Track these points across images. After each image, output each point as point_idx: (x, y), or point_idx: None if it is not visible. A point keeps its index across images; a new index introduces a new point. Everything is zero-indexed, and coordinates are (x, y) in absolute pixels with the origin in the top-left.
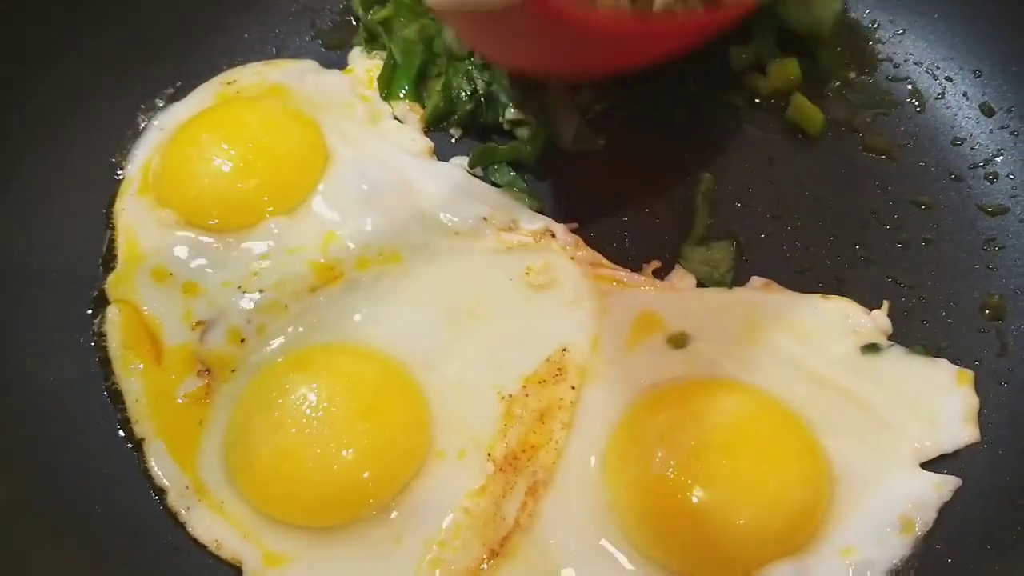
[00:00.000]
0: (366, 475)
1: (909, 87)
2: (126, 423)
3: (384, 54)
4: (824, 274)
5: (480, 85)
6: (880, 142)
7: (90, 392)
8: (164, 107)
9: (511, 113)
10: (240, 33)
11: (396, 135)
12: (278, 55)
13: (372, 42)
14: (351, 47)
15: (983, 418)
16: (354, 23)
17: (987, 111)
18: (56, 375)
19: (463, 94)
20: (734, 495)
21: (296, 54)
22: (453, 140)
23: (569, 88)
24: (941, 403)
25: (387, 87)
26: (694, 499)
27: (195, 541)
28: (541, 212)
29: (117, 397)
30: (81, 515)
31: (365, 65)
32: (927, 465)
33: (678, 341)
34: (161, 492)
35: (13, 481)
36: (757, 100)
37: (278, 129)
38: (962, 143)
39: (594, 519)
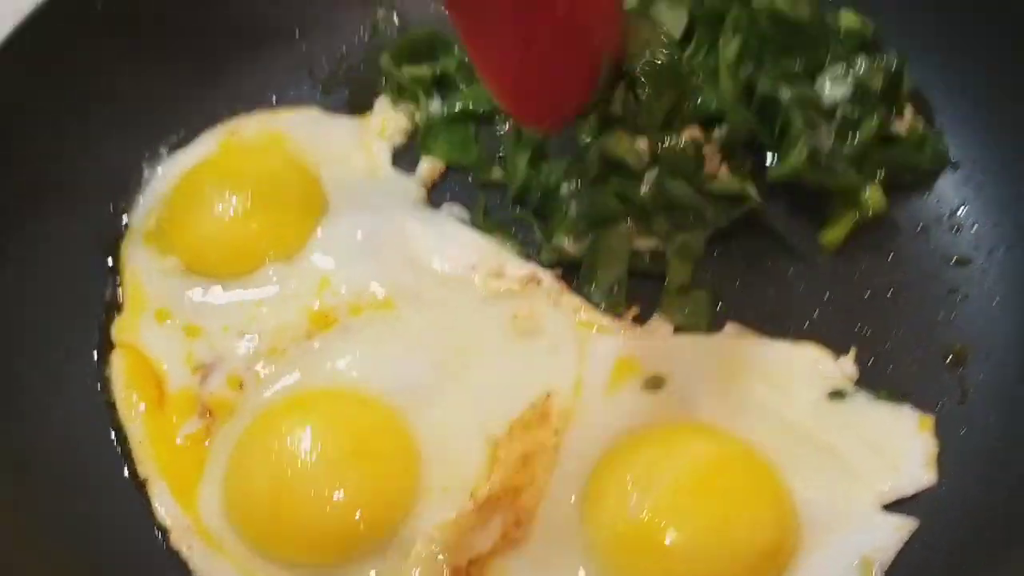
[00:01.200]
0: (358, 516)
1: None
2: (130, 464)
3: (408, 106)
4: (795, 321)
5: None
6: None
7: (97, 433)
8: (168, 156)
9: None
10: (240, 82)
11: (392, 184)
12: (278, 103)
13: (399, 95)
14: (350, 92)
15: (941, 462)
16: (351, 66)
17: (952, 165)
18: (64, 417)
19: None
20: (705, 536)
21: (295, 102)
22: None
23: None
24: (903, 448)
25: (425, 142)
26: (667, 540)
27: None
28: (528, 260)
29: (123, 438)
30: (87, 552)
31: (387, 115)
32: (888, 507)
33: (654, 384)
34: (164, 531)
35: (20, 520)
36: None
37: (277, 178)
38: (928, 195)
39: (573, 554)
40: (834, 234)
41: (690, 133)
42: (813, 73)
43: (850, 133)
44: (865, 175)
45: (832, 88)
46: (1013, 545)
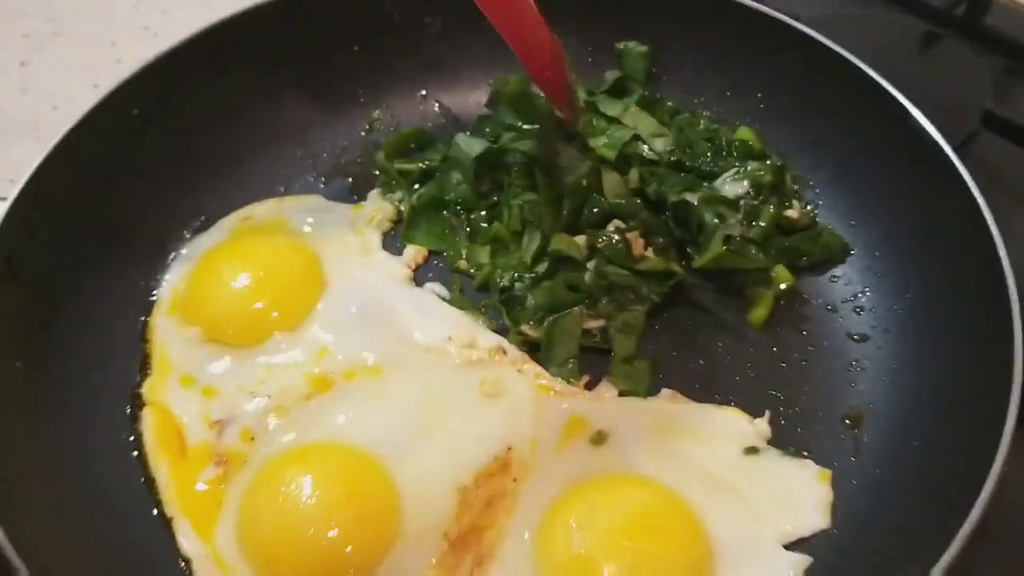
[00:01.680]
0: (348, 550)
1: None
2: (159, 505)
3: (397, 197)
4: (720, 387)
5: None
6: None
7: (129, 479)
8: (190, 238)
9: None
10: (253, 174)
11: (383, 265)
12: (286, 192)
13: (389, 188)
14: (349, 182)
15: (835, 509)
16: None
17: (852, 254)
18: (100, 466)
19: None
20: (634, 568)
21: (300, 191)
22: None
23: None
24: (803, 496)
25: (407, 231)
26: (603, 571)
27: None
28: (496, 332)
29: (151, 483)
30: None
31: (377, 205)
32: (788, 546)
33: (598, 440)
34: (187, 561)
35: (60, 553)
36: None
37: (284, 259)
38: (837, 280)
39: None
40: (758, 314)
41: (615, 225)
42: (710, 179)
43: (753, 222)
44: (771, 257)
45: (731, 187)
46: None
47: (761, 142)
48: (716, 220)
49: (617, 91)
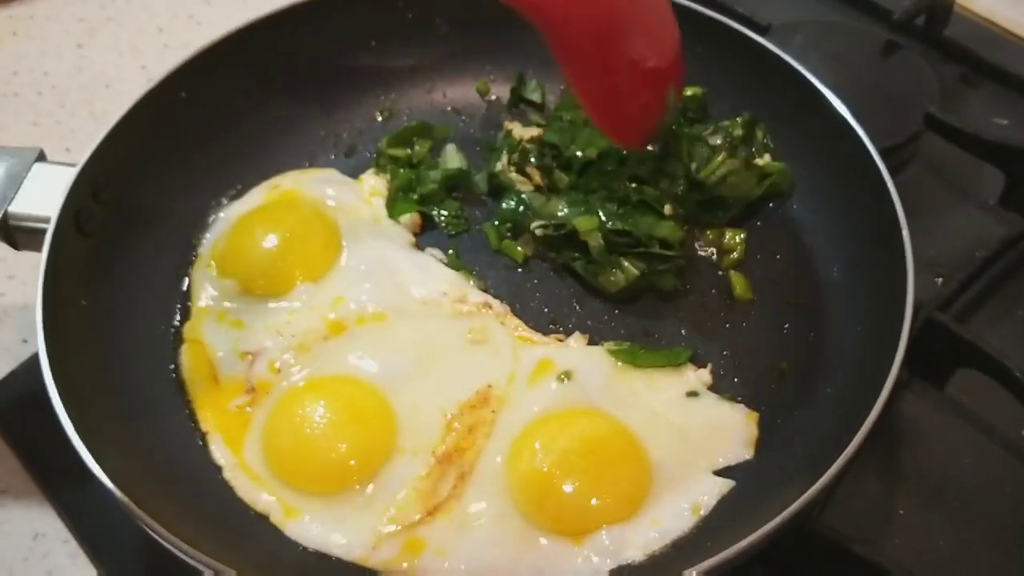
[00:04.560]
0: (352, 462)
1: None
2: (196, 422)
3: (388, 177)
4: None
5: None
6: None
7: (173, 402)
8: (228, 204)
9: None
10: (282, 150)
11: (390, 231)
12: (310, 166)
13: (382, 168)
14: (363, 160)
15: (758, 443)
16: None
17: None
18: (148, 389)
19: None
20: (584, 482)
21: (322, 165)
22: None
23: None
24: (733, 433)
25: (389, 206)
26: (560, 484)
27: (240, 500)
28: (484, 291)
29: (190, 405)
30: (162, 481)
31: (372, 183)
32: (717, 472)
33: (563, 378)
34: (218, 468)
35: (124, 459)
36: None
37: (307, 223)
38: (777, 260)
39: (497, 495)
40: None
41: None
42: None
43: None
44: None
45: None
46: (790, 495)
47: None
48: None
49: None
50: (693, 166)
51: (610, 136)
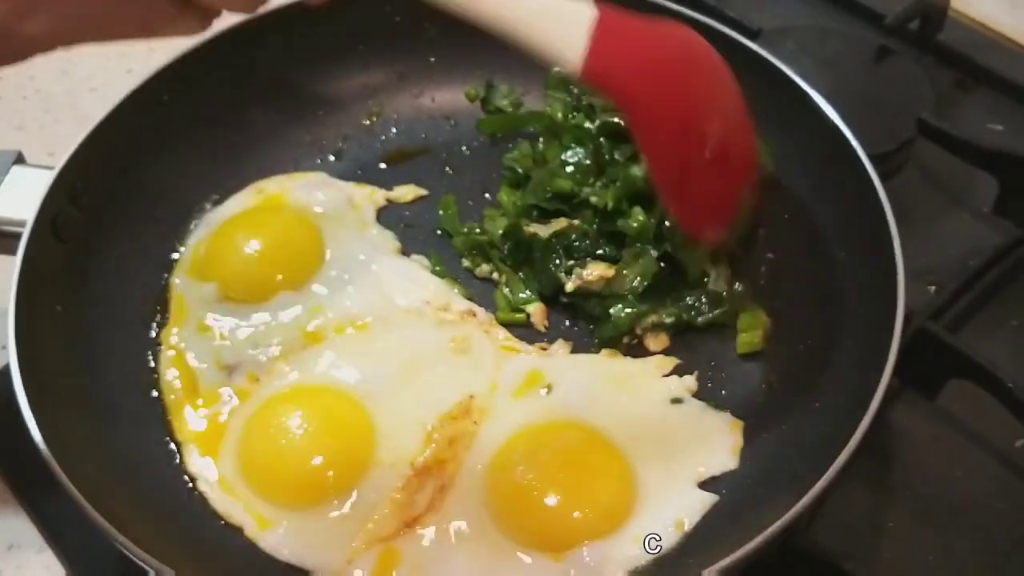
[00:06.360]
0: (329, 474)
1: None
2: (171, 431)
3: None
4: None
5: None
6: None
7: (150, 410)
8: (210, 209)
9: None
10: (266, 155)
11: (375, 239)
12: (296, 170)
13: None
14: (349, 165)
15: (742, 454)
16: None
17: None
18: (124, 398)
19: None
20: (564, 496)
21: (307, 169)
22: None
23: None
24: (717, 441)
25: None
26: (540, 497)
27: (214, 512)
28: (469, 299)
29: (165, 413)
30: (135, 491)
31: (360, 191)
32: (701, 484)
33: (546, 388)
34: (193, 478)
35: (88, 467)
36: None
37: (289, 230)
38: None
39: (477, 509)
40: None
41: None
42: None
43: None
44: None
45: None
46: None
47: None
48: None
49: None
50: None
51: (685, 228)
